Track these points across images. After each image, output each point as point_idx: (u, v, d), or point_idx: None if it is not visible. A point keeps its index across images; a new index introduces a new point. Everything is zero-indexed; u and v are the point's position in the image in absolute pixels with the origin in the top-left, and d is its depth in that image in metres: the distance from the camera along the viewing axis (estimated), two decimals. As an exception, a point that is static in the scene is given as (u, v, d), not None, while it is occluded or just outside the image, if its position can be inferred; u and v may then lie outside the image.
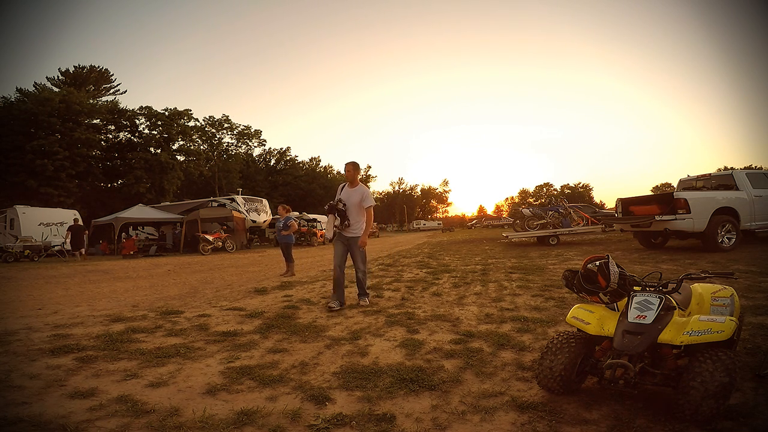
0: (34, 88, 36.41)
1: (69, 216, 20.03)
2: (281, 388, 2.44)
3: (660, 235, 9.91)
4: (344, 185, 4.98)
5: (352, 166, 4.90)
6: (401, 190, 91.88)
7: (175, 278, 8.56)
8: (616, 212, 10.64)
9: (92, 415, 2.10)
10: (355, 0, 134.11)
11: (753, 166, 50.00)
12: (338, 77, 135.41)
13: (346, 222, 4.76)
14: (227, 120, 52.15)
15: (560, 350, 2.19)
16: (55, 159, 29.55)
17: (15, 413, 2.10)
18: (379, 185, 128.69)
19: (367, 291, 5.03)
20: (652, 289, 2.25)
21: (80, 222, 16.55)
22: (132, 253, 17.00)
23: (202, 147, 48.07)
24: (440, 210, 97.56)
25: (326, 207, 4.90)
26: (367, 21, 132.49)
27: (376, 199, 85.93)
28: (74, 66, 42.51)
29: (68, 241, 15.82)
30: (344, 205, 4.79)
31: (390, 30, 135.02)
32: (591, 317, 2.27)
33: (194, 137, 46.15)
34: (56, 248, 16.72)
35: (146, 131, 39.24)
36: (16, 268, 12.31)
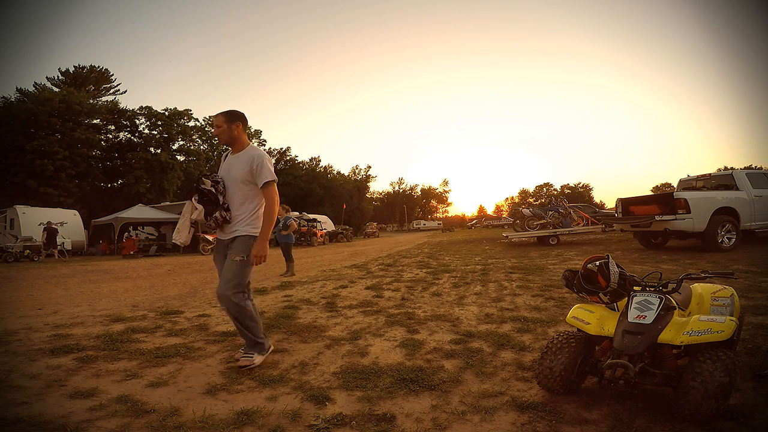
0: (34, 88, 36.39)
1: (69, 216, 20.05)
2: (281, 388, 2.44)
3: (660, 235, 9.91)
4: (227, 153, 3.09)
5: (225, 118, 2.91)
6: (401, 190, 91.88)
7: (175, 278, 8.56)
8: (616, 212, 10.64)
9: (92, 415, 2.10)
10: (356, 0, 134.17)
11: (753, 166, 49.97)
12: (338, 77, 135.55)
13: (220, 214, 2.82)
14: (227, 120, 52.10)
15: (560, 350, 2.19)
16: (55, 159, 29.52)
17: (15, 413, 2.10)
18: (379, 185, 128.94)
19: (261, 339, 2.89)
20: (652, 289, 2.25)
21: (53, 224, 16.79)
22: (132, 253, 17.01)
23: (202, 147, 48.05)
24: (440, 210, 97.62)
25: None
26: (367, 21, 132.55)
27: (376, 200, 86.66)
28: (74, 66, 42.49)
29: (44, 240, 16.18)
30: (215, 183, 2.86)
31: (390, 30, 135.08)
32: (591, 317, 2.28)
33: (194, 137, 46.12)
34: (57, 248, 16.75)
35: (146, 131, 39.21)
36: (16, 268, 12.31)
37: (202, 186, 2.86)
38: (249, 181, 2.85)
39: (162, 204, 25.89)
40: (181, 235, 2.94)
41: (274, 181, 2.87)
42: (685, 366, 1.93)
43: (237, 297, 2.74)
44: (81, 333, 3.82)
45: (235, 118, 2.93)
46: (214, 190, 2.84)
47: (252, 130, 54.97)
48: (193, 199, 2.89)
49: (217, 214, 2.82)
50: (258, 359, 2.82)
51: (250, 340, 2.86)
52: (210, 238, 17.45)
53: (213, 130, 3.03)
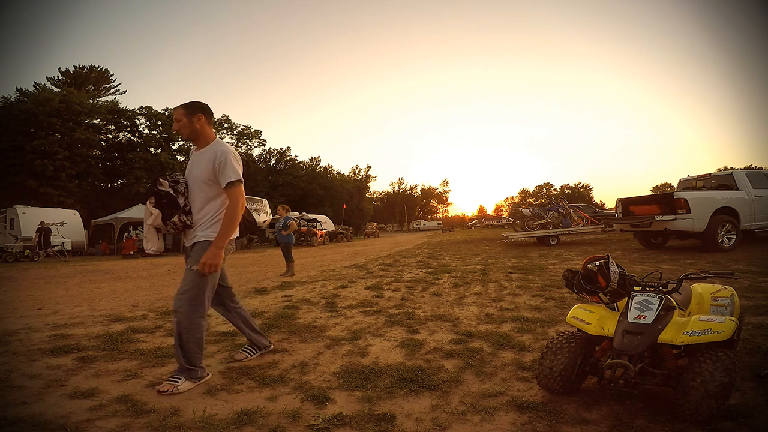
0: (34, 88, 36.39)
1: (69, 216, 20.06)
2: (281, 388, 2.44)
3: (660, 235, 9.91)
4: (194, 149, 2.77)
5: (184, 110, 2.61)
6: (401, 190, 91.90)
7: (175, 278, 8.56)
8: (616, 212, 10.64)
9: (92, 415, 2.10)
10: (356, 0, 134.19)
11: (753, 166, 49.97)
12: (338, 77, 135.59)
13: (179, 218, 2.55)
14: (227, 120, 52.09)
15: (560, 350, 2.19)
16: (55, 159, 29.52)
17: (15, 413, 2.10)
18: (379, 185, 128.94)
19: (196, 367, 2.51)
20: (652, 289, 2.25)
21: (47, 224, 16.85)
22: (132, 253, 17.01)
23: (202, 147, 48.03)
24: (440, 210, 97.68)
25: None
26: (367, 21, 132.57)
27: (376, 200, 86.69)
28: (74, 66, 42.51)
29: (36, 241, 16.26)
30: (174, 184, 2.62)
31: (390, 30, 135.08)
32: (591, 317, 2.27)
33: (194, 137, 46.11)
34: (56, 248, 16.76)
35: (146, 131, 39.23)
36: (16, 268, 12.31)
37: (159, 188, 2.59)
38: (212, 180, 2.54)
39: (162, 204, 25.82)
40: (151, 244, 2.72)
41: (239, 181, 2.55)
42: (685, 366, 1.93)
43: (189, 310, 2.45)
44: (81, 333, 3.81)
45: (196, 109, 2.61)
46: (172, 192, 2.58)
47: (252, 130, 54.92)
48: (148, 202, 2.64)
49: (175, 218, 2.54)
50: (185, 386, 2.43)
51: (182, 364, 2.47)
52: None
53: (173, 125, 2.70)
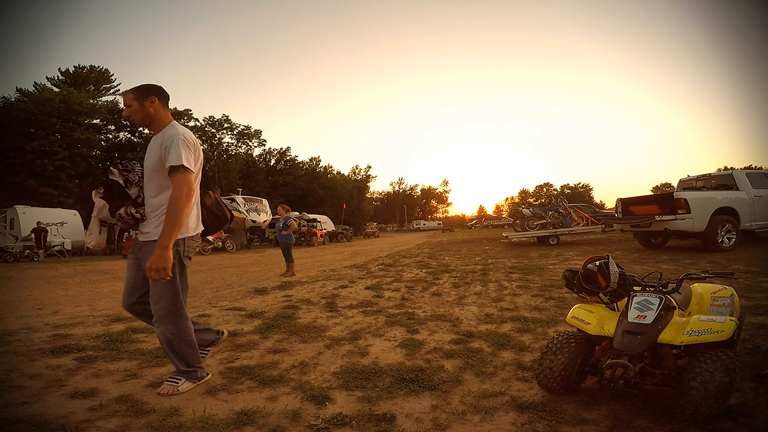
0: (34, 88, 36.38)
1: (69, 216, 20.05)
2: (281, 388, 2.44)
3: (660, 235, 9.91)
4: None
5: (134, 94, 2.38)
6: (401, 190, 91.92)
7: (175, 278, 8.55)
8: (616, 212, 10.64)
9: (92, 415, 2.10)
10: (356, 0, 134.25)
11: (753, 166, 49.99)
12: (338, 77, 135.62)
13: (126, 210, 2.38)
14: (227, 120, 52.11)
15: (560, 350, 2.19)
16: (55, 159, 29.52)
17: (15, 413, 2.10)
18: (379, 185, 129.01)
19: (195, 368, 2.47)
20: (652, 289, 2.25)
21: (42, 224, 16.83)
22: (132, 253, 16.98)
23: (202, 147, 48.05)
24: (440, 210, 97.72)
25: None
26: (367, 21, 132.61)
27: (376, 200, 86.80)
28: (74, 66, 42.52)
29: (34, 241, 16.26)
30: (126, 172, 2.42)
31: (390, 30, 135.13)
32: (591, 317, 2.27)
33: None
34: (56, 248, 16.76)
35: (146, 131, 39.25)
36: (16, 268, 12.31)
37: (109, 176, 2.38)
38: (162, 168, 2.27)
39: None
40: (91, 237, 2.52)
41: (183, 167, 2.20)
42: (685, 366, 1.93)
43: (170, 319, 2.32)
44: (81, 333, 3.81)
45: (148, 92, 2.39)
46: (121, 181, 2.35)
47: (252, 130, 54.89)
48: (93, 193, 2.43)
49: (122, 210, 2.35)
50: (185, 386, 2.39)
51: (179, 368, 2.42)
52: (210, 237, 17.44)
53: (123, 112, 2.46)
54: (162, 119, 2.42)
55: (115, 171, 2.42)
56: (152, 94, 2.40)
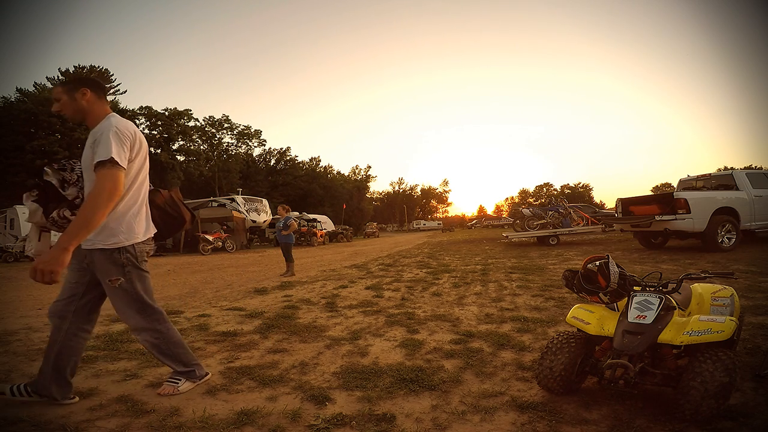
0: (34, 88, 36.39)
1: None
2: (281, 388, 2.44)
3: (660, 235, 9.91)
4: None
5: (63, 87, 2.21)
6: (401, 190, 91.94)
7: (175, 278, 8.56)
8: (616, 212, 10.64)
9: (92, 415, 2.10)
10: (356, 0, 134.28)
11: (753, 166, 50.00)
12: (338, 77, 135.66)
13: (59, 213, 2.21)
14: (227, 120, 52.19)
15: (560, 350, 2.18)
16: (55, 159, 29.57)
17: (15, 413, 2.10)
18: (379, 185, 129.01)
19: (192, 366, 2.43)
20: (652, 289, 2.25)
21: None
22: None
23: (202, 147, 48.06)
24: (440, 210, 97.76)
25: None
26: (367, 21, 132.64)
27: (376, 200, 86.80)
28: (74, 66, 42.52)
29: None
30: (61, 172, 2.26)
31: (390, 30, 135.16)
32: (591, 317, 2.27)
33: (194, 137, 46.16)
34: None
35: (146, 131, 39.28)
36: (16, 268, 12.31)
37: (45, 178, 2.17)
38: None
39: (162, 204, 25.83)
40: (30, 245, 2.32)
41: (111, 162, 1.97)
42: (685, 366, 1.93)
43: (146, 324, 2.25)
44: (81, 333, 3.81)
45: (79, 84, 2.19)
46: (56, 182, 2.16)
47: (252, 130, 54.89)
48: (25, 196, 2.23)
49: (54, 213, 2.16)
50: (185, 386, 2.36)
51: (176, 369, 2.37)
52: (210, 237, 17.45)
53: (53, 107, 2.25)
54: (97, 112, 2.20)
55: (49, 171, 2.22)
56: (84, 85, 2.19)
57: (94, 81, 2.24)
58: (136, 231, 2.20)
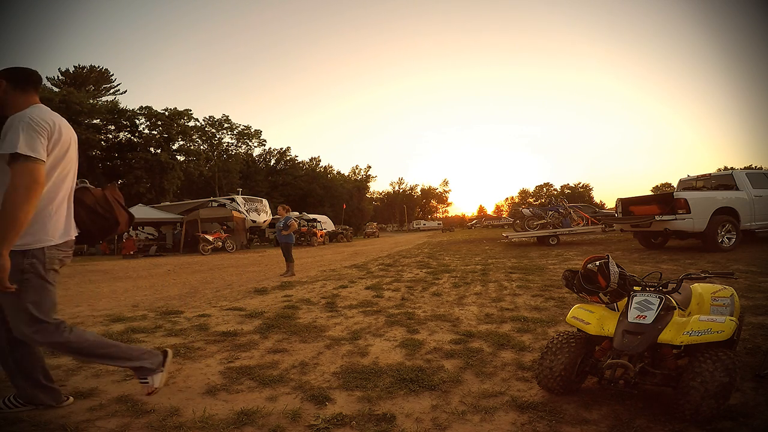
0: (34, 88, 36.41)
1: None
2: (281, 388, 2.44)
3: (660, 235, 9.91)
4: None
5: None
6: (401, 190, 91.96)
7: (175, 278, 8.56)
8: (616, 212, 10.64)
9: (92, 415, 2.10)
10: (356, 0, 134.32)
11: (753, 166, 50.00)
12: (338, 77, 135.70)
13: None
14: (227, 120, 52.15)
15: (560, 350, 2.19)
16: None
17: (15, 413, 2.10)
18: (379, 185, 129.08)
19: (141, 358, 2.29)
20: (652, 289, 2.25)
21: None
22: (132, 253, 17.01)
23: (202, 147, 48.05)
24: (440, 210, 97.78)
25: None
26: (367, 21, 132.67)
27: (376, 200, 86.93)
28: (74, 66, 42.64)
29: None
30: None
31: (390, 30, 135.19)
32: (591, 317, 2.27)
33: (194, 137, 46.15)
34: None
35: (146, 131, 39.26)
36: None
37: None
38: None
39: (162, 204, 25.91)
40: None
41: (25, 156, 1.81)
42: (685, 366, 1.93)
43: (46, 333, 2.02)
44: (81, 333, 3.81)
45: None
46: None
47: (252, 130, 54.85)
48: None
49: None
50: (157, 379, 2.28)
51: (130, 368, 2.29)
52: (210, 237, 17.45)
53: None
54: (16, 104, 2.00)
55: None
56: (0, 78, 2.00)
57: (13, 72, 2.05)
58: (50, 233, 1.98)
